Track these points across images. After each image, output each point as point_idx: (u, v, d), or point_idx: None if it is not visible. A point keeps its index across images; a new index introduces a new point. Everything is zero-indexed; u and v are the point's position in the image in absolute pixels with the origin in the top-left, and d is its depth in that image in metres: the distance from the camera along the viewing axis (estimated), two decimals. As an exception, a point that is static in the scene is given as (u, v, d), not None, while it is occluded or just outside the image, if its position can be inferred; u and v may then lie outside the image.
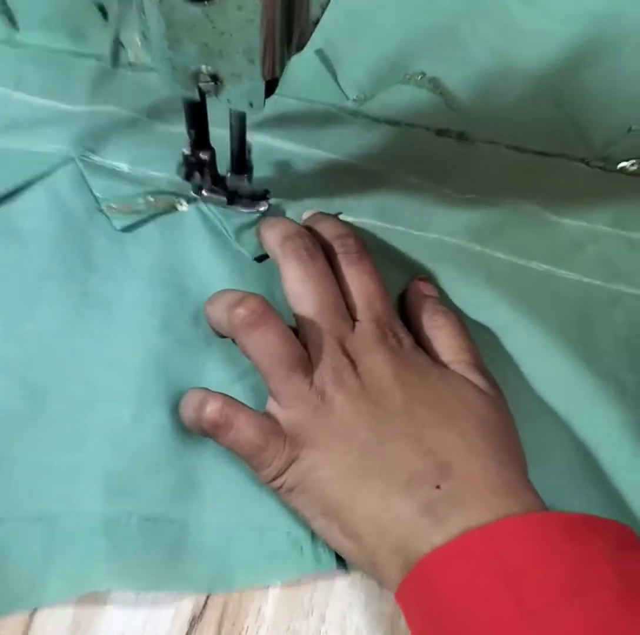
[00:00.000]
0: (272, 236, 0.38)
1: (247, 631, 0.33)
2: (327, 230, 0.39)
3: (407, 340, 0.36)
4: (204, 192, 0.42)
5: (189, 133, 0.38)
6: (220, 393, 0.34)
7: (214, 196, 0.41)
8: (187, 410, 0.34)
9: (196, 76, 0.31)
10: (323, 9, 0.29)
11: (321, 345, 0.34)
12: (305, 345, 0.35)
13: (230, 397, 0.34)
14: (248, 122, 0.37)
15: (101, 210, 0.41)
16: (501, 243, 0.42)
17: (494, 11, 0.50)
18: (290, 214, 0.42)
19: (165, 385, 0.36)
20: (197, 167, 0.39)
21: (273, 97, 0.33)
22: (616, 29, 0.49)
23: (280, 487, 0.33)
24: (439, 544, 0.28)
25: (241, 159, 0.38)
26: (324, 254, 0.37)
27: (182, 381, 0.36)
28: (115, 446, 0.35)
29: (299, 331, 0.35)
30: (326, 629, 0.33)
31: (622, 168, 0.45)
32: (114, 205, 0.41)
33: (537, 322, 0.39)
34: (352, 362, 0.34)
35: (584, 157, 0.45)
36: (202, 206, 0.42)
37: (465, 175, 0.45)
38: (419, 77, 0.47)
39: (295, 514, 0.34)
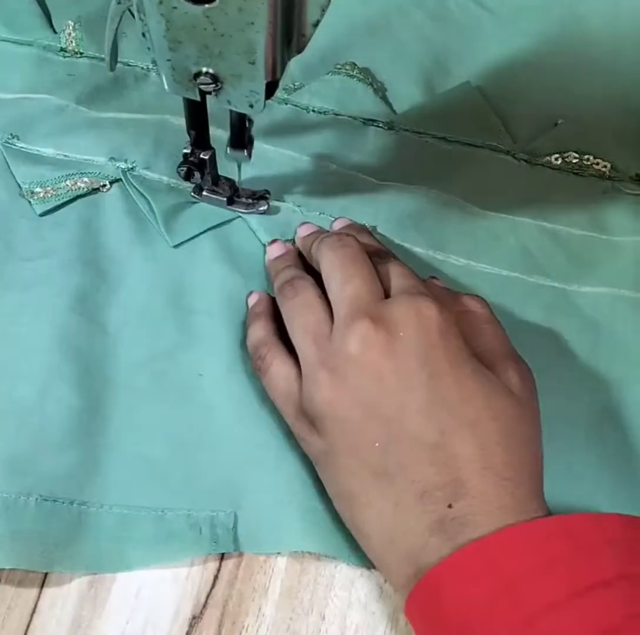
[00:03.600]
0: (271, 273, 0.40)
1: (247, 630, 0.33)
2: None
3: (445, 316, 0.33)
4: (204, 193, 0.42)
5: (189, 133, 0.38)
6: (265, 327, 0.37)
7: (214, 196, 0.42)
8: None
9: (196, 77, 0.31)
10: (323, 11, 0.29)
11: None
12: None
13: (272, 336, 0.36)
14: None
15: (23, 196, 0.41)
16: (420, 235, 0.42)
17: (430, 3, 0.50)
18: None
19: (71, 364, 0.37)
20: (197, 166, 0.39)
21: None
22: (548, 22, 0.49)
23: (309, 453, 0.34)
24: (445, 558, 0.28)
25: (241, 132, 0.37)
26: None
27: (89, 361, 0.37)
28: (18, 424, 0.35)
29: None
30: (326, 628, 0.33)
31: (547, 161, 0.45)
32: (36, 190, 0.41)
33: None
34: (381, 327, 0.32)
35: (509, 149, 0.45)
36: (127, 188, 0.42)
37: (390, 164, 0.45)
38: (350, 67, 0.47)
39: (197, 495, 0.35)
